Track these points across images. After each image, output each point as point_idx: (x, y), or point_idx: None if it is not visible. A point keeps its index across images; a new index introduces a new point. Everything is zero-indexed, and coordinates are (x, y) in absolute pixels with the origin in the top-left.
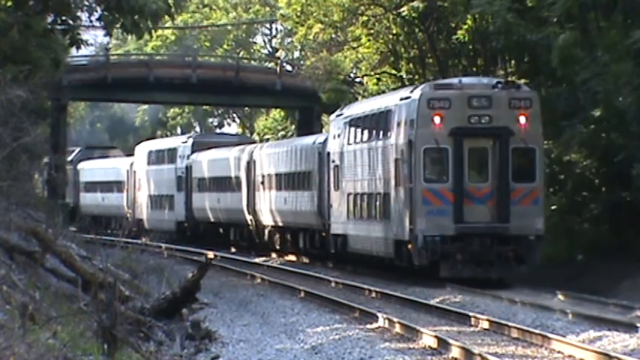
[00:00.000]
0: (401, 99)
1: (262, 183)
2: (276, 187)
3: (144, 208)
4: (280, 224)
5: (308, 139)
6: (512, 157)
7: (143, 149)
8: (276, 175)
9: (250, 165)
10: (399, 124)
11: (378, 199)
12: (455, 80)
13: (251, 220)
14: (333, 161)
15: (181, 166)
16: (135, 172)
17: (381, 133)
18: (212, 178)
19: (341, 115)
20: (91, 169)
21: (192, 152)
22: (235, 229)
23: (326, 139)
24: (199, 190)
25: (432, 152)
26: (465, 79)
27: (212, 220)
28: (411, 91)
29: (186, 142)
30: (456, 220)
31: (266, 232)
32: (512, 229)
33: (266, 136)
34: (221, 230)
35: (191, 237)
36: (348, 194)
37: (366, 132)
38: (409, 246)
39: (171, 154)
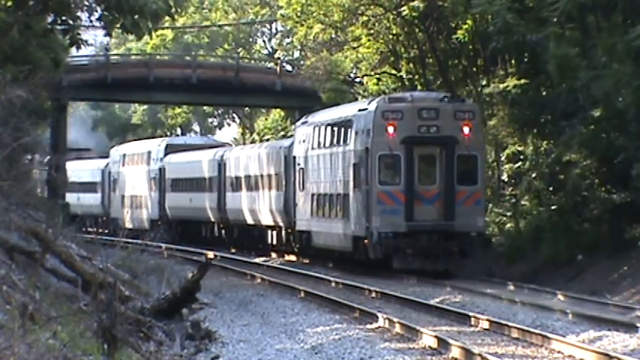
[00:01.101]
0: (359, 110)
1: (232, 184)
2: (246, 188)
3: (119, 207)
4: (249, 222)
5: (275, 144)
6: (456, 163)
7: (118, 151)
8: (246, 176)
9: (221, 167)
10: (357, 133)
11: (339, 199)
12: (407, 94)
13: (221, 218)
14: (299, 164)
15: (155, 168)
16: (110, 173)
17: (342, 140)
18: (185, 179)
19: (306, 122)
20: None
21: (166, 155)
22: (206, 227)
23: (292, 144)
24: (172, 191)
25: (386, 158)
26: (416, 94)
27: (184, 218)
28: (368, 103)
29: (159, 145)
30: (407, 218)
31: (235, 229)
32: (457, 227)
33: (266, 137)
34: (193, 228)
35: (164, 235)
36: (312, 194)
37: (328, 138)
38: (366, 241)
39: (145, 157)
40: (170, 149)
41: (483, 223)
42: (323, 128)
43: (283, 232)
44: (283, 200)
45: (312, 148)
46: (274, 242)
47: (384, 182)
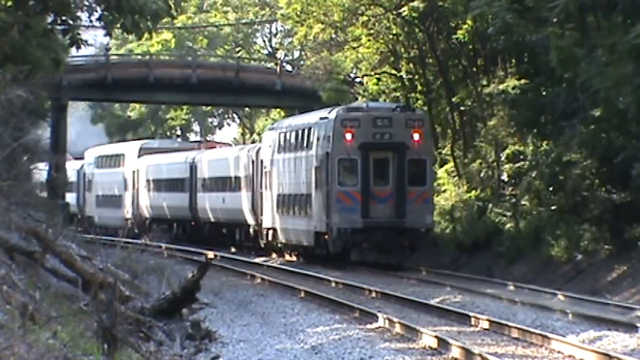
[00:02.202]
0: (320, 118)
1: (203, 185)
2: (216, 189)
3: (94, 207)
4: (219, 220)
5: (244, 148)
6: (407, 166)
7: (92, 154)
8: (216, 178)
9: (193, 169)
10: (318, 139)
11: (302, 199)
12: (363, 104)
13: (193, 216)
14: (265, 167)
15: (128, 170)
16: (85, 174)
17: (305, 145)
18: (158, 180)
19: (272, 129)
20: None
21: (139, 157)
22: (179, 224)
23: (259, 149)
24: (147, 191)
25: (344, 162)
26: (371, 104)
27: (158, 217)
28: (329, 113)
29: (133, 147)
30: (363, 215)
31: (206, 227)
32: (408, 223)
33: None
34: (166, 226)
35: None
36: (278, 195)
37: (292, 144)
38: (326, 236)
39: (119, 159)
40: (143, 152)
41: (431, 220)
42: (287, 134)
43: (251, 229)
44: (251, 200)
45: (278, 153)
46: (242, 238)
47: (342, 183)
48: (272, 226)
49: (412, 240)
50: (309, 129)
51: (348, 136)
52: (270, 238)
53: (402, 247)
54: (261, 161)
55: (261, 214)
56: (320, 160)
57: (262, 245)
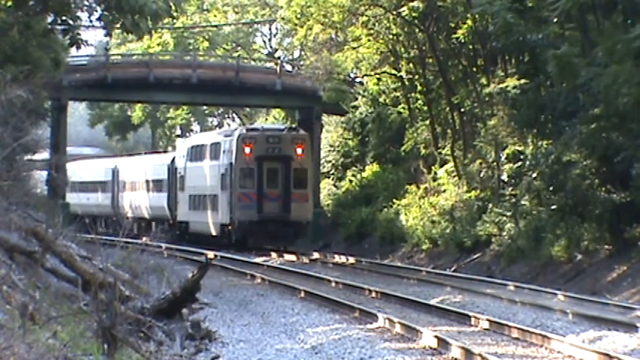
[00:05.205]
0: (225, 136)
1: (124, 186)
2: (136, 190)
3: None
4: (139, 216)
5: (160, 156)
6: (292, 174)
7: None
8: (136, 181)
9: (114, 173)
10: (224, 152)
11: (211, 198)
12: (259, 126)
13: (115, 213)
14: (180, 173)
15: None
16: None
17: (213, 156)
18: (84, 183)
19: (184, 142)
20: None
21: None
22: (102, 220)
23: (174, 158)
24: (73, 191)
25: (244, 170)
26: (266, 125)
27: (83, 213)
28: (232, 132)
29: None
30: (258, 211)
31: (127, 222)
32: (292, 217)
33: None
34: (91, 221)
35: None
36: (190, 195)
37: (203, 155)
38: (230, 227)
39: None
40: (70, 159)
41: (311, 215)
42: (199, 147)
43: (166, 223)
44: (167, 199)
45: (190, 161)
46: (158, 231)
47: (242, 186)
48: (186, 220)
49: (296, 230)
50: (218, 144)
51: (247, 150)
52: (182, 229)
53: (288, 235)
54: (176, 168)
55: (176, 210)
56: (225, 168)
57: (176, 235)
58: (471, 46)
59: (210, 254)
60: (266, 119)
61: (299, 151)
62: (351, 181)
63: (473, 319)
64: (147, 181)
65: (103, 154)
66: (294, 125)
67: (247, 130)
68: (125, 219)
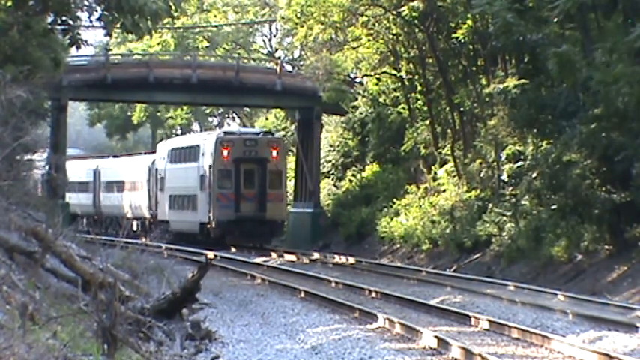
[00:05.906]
0: (204, 139)
1: (106, 187)
2: (117, 190)
3: None
4: (119, 215)
5: (142, 158)
6: (268, 175)
7: None
8: (117, 181)
9: (96, 174)
10: (203, 154)
11: (191, 198)
12: (236, 130)
13: (96, 212)
14: (160, 174)
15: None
16: None
17: (193, 158)
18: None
19: (164, 145)
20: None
21: (47, 164)
22: (85, 219)
23: (154, 160)
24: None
25: (222, 172)
26: (243, 129)
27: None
28: (209, 135)
29: (44, 156)
30: (236, 210)
31: (108, 220)
32: (268, 216)
33: None
34: (76, 220)
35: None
36: (170, 195)
37: (183, 157)
38: (209, 226)
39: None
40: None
41: (285, 214)
42: (179, 150)
43: (147, 222)
44: (147, 199)
45: (170, 163)
46: (139, 230)
47: (221, 187)
48: (166, 219)
49: (271, 228)
50: (197, 147)
51: (225, 152)
52: (163, 227)
53: (264, 233)
54: (156, 170)
55: (156, 210)
56: (204, 170)
57: (156, 234)
58: (471, 46)
59: (210, 254)
60: (266, 119)
61: (274, 153)
62: (351, 181)
63: (473, 319)
64: (128, 182)
65: (85, 155)
66: (269, 129)
67: (225, 133)
68: (106, 218)
